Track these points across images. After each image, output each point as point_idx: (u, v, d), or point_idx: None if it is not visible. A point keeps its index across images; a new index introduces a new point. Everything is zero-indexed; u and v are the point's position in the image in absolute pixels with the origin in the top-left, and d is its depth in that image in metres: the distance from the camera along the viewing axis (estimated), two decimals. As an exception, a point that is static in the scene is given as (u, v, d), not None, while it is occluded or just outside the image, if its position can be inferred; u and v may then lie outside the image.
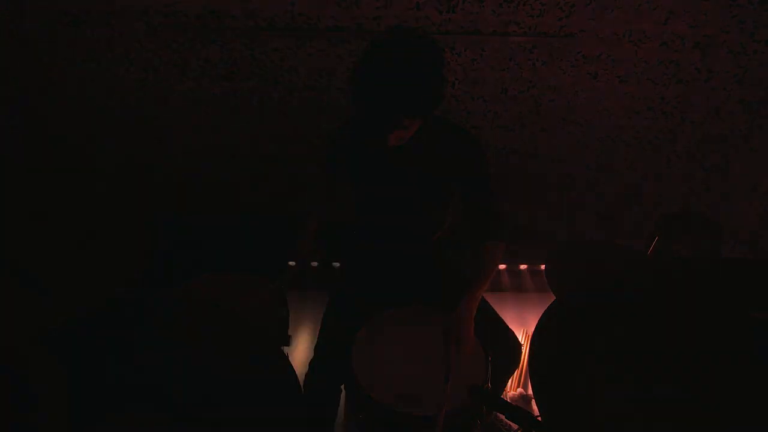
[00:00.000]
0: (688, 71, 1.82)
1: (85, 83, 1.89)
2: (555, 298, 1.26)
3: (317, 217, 1.50)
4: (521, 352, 1.39)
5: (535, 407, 1.76)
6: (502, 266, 2.39)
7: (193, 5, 1.69)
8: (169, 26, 1.74)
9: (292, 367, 0.84)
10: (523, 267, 2.40)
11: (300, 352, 1.94)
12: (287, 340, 1.36)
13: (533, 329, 2.07)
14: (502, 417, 0.95)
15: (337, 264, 2.38)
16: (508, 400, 1.75)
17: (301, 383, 1.31)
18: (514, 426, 1.36)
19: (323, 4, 1.68)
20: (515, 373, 1.84)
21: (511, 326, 2.10)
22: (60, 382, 0.67)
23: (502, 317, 1.43)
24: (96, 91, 1.92)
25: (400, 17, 1.70)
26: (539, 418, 0.72)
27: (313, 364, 1.32)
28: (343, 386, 1.29)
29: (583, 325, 0.81)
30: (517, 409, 0.85)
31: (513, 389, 1.80)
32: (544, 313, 0.83)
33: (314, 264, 2.38)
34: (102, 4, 1.70)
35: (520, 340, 2.03)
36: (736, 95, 1.88)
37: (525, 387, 1.85)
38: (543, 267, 2.38)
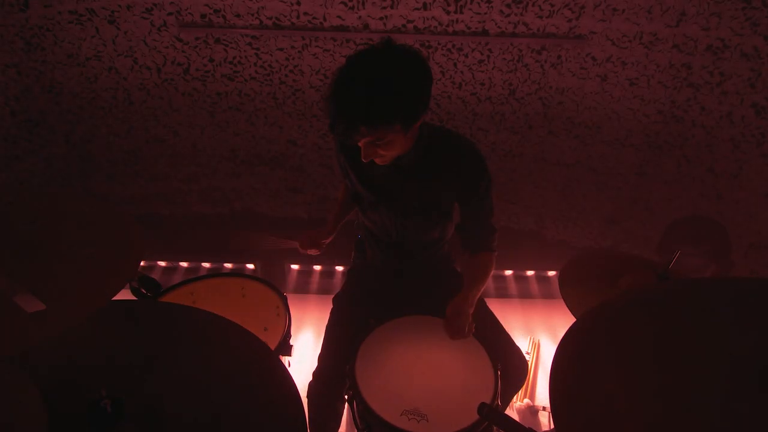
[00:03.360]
0: (699, 74, 1.79)
1: (88, 82, 1.88)
2: (566, 306, 1.21)
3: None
4: (528, 368, 1.34)
5: (540, 418, 1.71)
6: (509, 272, 2.35)
7: (198, 4, 1.68)
8: (174, 25, 1.73)
9: (292, 378, 0.80)
10: (529, 273, 2.36)
11: (301, 358, 1.90)
12: (289, 350, 1.32)
13: (540, 339, 2.03)
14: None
15: (340, 268, 2.34)
16: (515, 411, 1.70)
17: (304, 392, 1.27)
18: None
19: (329, 4, 1.66)
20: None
21: (518, 333, 2.07)
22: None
23: (509, 324, 1.38)
24: (100, 89, 1.90)
25: (406, 17, 1.68)
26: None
27: (316, 374, 1.28)
28: (346, 396, 1.25)
29: (605, 341, 0.77)
30: (523, 429, 0.81)
31: (520, 400, 1.76)
32: (567, 332, 0.79)
33: (317, 268, 2.35)
34: (107, 3, 1.69)
35: (526, 347, 2.00)
36: (749, 99, 1.84)
37: (532, 398, 1.80)
38: (551, 273, 2.35)
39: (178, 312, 0.88)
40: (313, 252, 1.44)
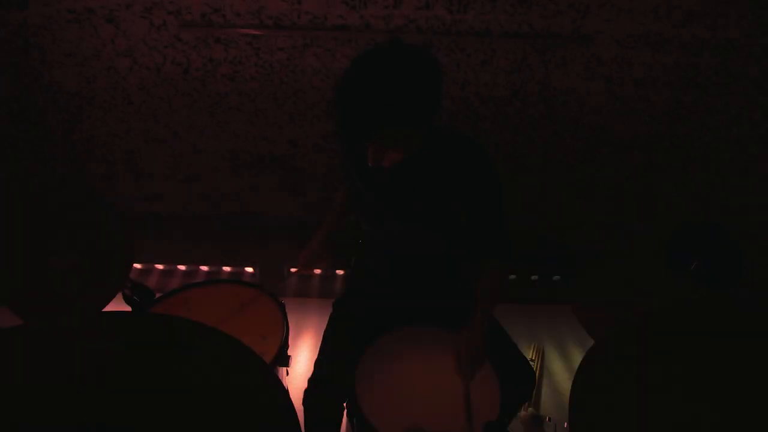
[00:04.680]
0: (706, 75, 1.76)
1: (87, 82, 1.86)
2: (576, 317, 1.17)
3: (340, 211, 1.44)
4: (535, 382, 1.29)
5: (545, 429, 1.67)
6: (511, 276, 2.31)
7: (198, 3, 1.66)
8: (173, 25, 1.71)
9: (287, 395, 0.75)
10: (533, 277, 2.32)
11: (300, 365, 1.86)
12: (287, 361, 1.27)
13: (544, 346, 1.98)
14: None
15: (341, 272, 2.31)
16: (519, 421, 1.65)
17: (300, 399, 1.23)
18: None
19: (331, 3, 1.64)
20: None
21: (521, 339, 2.02)
22: None
23: (512, 329, 1.34)
24: (99, 89, 1.88)
25: (409, 17, 1.66)
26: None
27: (313, 381, 1.24)
28: (345, 404, 1.20)
29: (627, 365, 0.73)
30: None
31: (525, 409, 1.71)
32: (585, 356, 0.76)
33: (317, 271, 2.31)
34: (106, 2, 1.67)
35: (530, 354, 1.95)
36: (757, 101, 1.81)
37: (536, 407, 1.76)
38: (556, 278, 2.30)
39: (168, 324, 0.82)
40: (308, 272, 1.41)
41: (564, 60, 1.74)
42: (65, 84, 1.87)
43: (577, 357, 1.99)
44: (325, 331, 1.34)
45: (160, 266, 2.31)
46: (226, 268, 2.31)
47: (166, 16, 1.69)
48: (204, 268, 2.31)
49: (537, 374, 1.87)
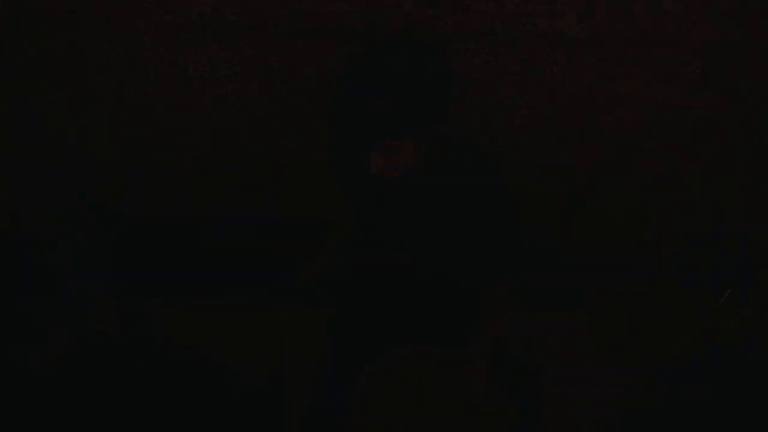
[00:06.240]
0: (718, 78, 1.72)
1: (84, 82, 1.83)
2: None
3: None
4: (546, 414, 1.23)
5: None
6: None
7: (196, 2, 1.64)
8: (171, 24, 1.69)
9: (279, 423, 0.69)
10: (538, 283, 2.26)
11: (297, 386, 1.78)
12: (280, 382, 1.22)
13: (549, 363, 1.90)
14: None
15: (339, 279, 2.25)
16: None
17: (296, 416, 1.17)
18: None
19: (331, 2, 1.61)
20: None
21: (528, 349, 1.95)
22: None
23: (516, 338, 1.28)
24: (95, 90, 1.86)
25: (411, 16, 1.63)
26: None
27: (311, 410, 1.18)
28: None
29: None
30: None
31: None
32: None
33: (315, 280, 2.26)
34: (103, 1, 1.65)
35: (536, 373, 1.87)
36: (769, 104, 1.77)
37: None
38: (561, 286, 2.24)
39: (152, 348, 0.76)
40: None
41: (570, 61, 1.71)
42: (62, 85, 1.84)
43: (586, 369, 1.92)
44: (322, 355, 1.27)
45: (155, 275, 2.26)
46: (224, 275, 2.26)
47: (164, 15, 1.67)
48: (200, 275, 2.26)
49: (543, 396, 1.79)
